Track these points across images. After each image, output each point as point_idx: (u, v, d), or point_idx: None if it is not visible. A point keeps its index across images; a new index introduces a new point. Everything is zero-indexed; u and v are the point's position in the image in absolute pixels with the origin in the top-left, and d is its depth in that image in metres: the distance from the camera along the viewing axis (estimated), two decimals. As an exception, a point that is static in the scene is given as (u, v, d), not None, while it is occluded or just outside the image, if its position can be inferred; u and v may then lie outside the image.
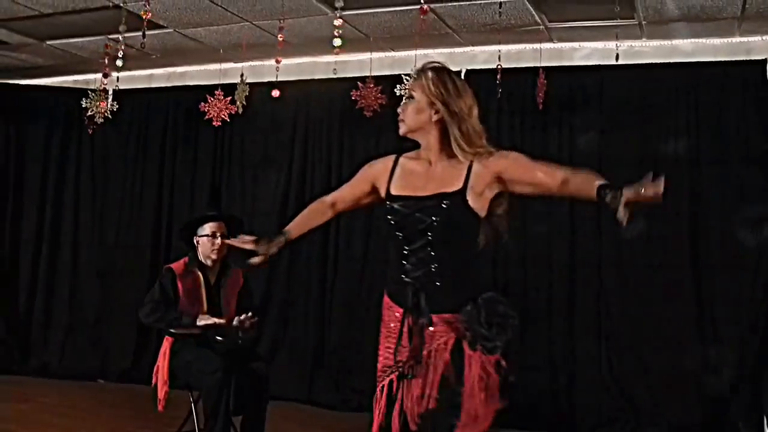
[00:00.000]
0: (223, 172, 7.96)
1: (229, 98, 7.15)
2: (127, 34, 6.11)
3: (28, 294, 8.36)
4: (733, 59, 6.65)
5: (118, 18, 6.05)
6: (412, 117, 3.21)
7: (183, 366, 5.14)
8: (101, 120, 7.31)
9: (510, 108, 6.89)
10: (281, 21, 6.07)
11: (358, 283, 7.35)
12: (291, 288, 7.58)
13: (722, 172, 6.52)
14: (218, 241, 5.46)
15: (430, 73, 3.22)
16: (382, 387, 3.16)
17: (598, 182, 2.91)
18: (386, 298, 3.26)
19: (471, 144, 3.14)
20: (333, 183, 7.37)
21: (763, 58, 6.59)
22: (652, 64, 6.73)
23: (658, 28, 6.55)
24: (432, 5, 6.05)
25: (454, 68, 6.94)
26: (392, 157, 3.36)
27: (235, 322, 5.31)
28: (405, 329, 3.11)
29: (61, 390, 7.39)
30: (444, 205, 3.11)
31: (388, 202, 3.23)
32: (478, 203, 3.13)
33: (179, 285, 5.28)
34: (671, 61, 6.73)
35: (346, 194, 3.55)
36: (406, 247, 3.15)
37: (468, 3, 6.11)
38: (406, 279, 3.15)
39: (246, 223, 6.99)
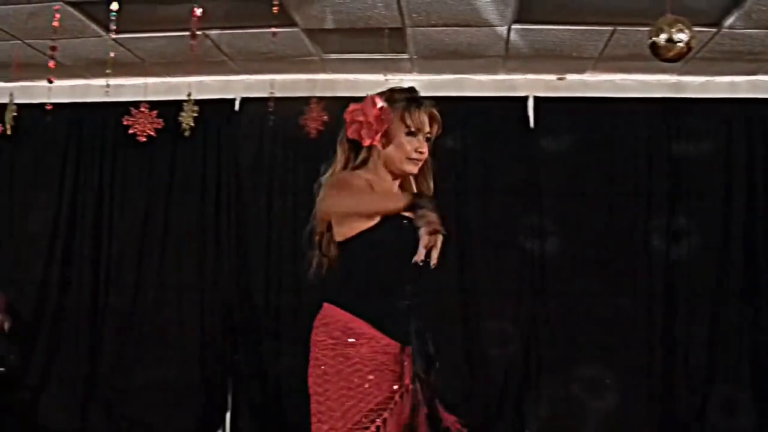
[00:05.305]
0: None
1: (-5, 118, 7.10)
2: None
3: None
4: (498, 95, 7.33)
5: None
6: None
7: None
8: None
9: (283, 137, 7.24)
10: (53, 41, 6.06)
11: (130, 310, 7.49)
12: (61, 314, 7.57)
13: (486, 200, 7.20)
14: None
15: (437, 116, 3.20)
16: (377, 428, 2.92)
17: None
18: (364, 325, 3.01)
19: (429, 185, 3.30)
20: (105, 209, 7.57)
21: (525, 95, 7.34)
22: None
23: (428, 63, 7.10)
24: (207, 32, 6.29)
25: (229, 96, 7.47)
26: (352, 176, 3.15)
27: None
28: (402, 363, 3.00)
29: None
30: None
31: (405, 221, 2.96)
32: None
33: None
34: (440, 94, 7.36)
35: None
36: (415, 271, 2.97)
37: (243, 31, 6.39)
38: (406, 303, 3.06)
39: (15, 247, 7.23)
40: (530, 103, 7.35)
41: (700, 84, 7.24)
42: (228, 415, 7.34)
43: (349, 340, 2.98)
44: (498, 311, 7.12)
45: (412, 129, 3.12)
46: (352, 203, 3.00)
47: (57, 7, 5.83)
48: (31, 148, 7.79)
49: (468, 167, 7.28)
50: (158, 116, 6.98)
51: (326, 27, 6.28)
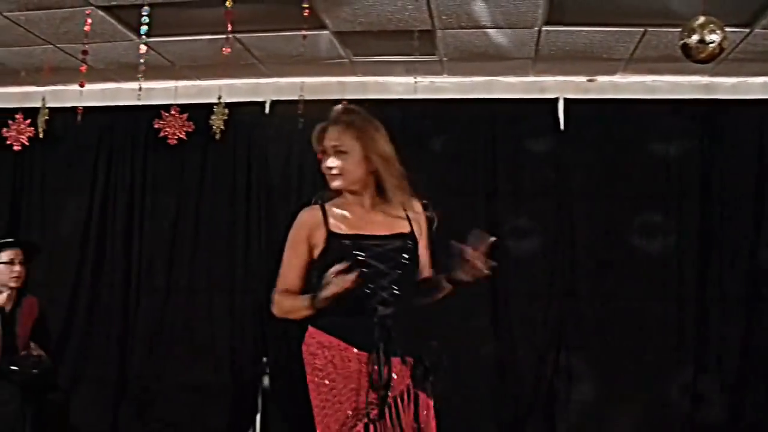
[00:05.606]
0: (23, 198, 7.93)
1: (29, 121, 7.22)
2: None
3: None
4: (528, 97, 7.30)
5: None
6: (354, 173, 3.27)
7: (-25, 397, 5.13)
8: None
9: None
10: (85, 45, 6.14)
11: (161, 312, 7.53)
12: (93, 316, 7.64)
13: (516, 203, 7.19)
14: (17, 268, 5.64)
15: (365, 127, 3.30)
16: None
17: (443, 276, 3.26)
18: (332, 339, 3.18)
19: (403, 189, 3.32)
20: (136, 212, 7.64)
21: (555, 97, 7.31)
22: (451, 99, 7.29)
23: (458, 65, 7.09)
24: (238, 35, 6.33)
25: (259, 99, 7.48)
26: (316, 207, 3.35)
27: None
28: (370, 371, 3.08)
29: None
30: (409, 245, 3.27)
31: (346, 240, 3.20)
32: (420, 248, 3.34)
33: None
34: (470, 96, 7.30)
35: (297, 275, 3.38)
36: (371, 285, 3.14)
37: (273, 34, 6.41)
38: (373, 318, 3.12)
39: (46, 250, 7.27)
40: (560, 105, 7.31)
41: (732, 85, 7.18)
42: (258, 417, 7.36)
43: (320, 351, 3.18)
44: (528, 314, 7.10)
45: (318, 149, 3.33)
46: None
47: (88, 12, 5.87)
48: (63, 152, 7.82)
49: (497, 169, 7.27)
50: (189, 119, 7.09)
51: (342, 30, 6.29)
